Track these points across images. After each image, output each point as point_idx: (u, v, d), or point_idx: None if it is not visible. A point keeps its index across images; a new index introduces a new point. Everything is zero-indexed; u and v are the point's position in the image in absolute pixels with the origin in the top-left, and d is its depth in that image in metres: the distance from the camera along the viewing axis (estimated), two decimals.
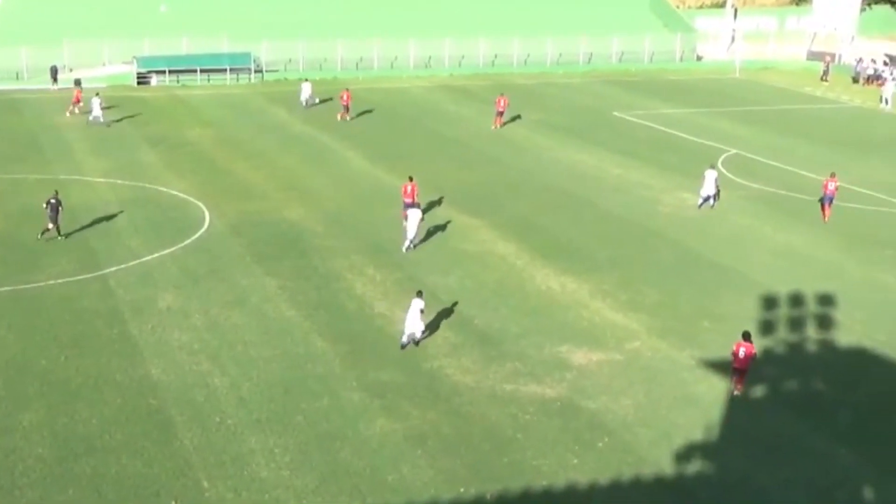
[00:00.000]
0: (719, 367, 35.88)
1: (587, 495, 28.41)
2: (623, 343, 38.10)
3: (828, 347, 38.59)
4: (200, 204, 53.65)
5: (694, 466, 29.92)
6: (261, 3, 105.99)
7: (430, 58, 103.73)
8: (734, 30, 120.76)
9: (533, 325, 39.51)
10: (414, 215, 47.53)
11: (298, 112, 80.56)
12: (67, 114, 76.07)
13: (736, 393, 34.32)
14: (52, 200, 47.40)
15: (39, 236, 47.37)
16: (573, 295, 42.77)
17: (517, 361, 36.23)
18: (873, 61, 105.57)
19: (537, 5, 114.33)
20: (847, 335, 39.49)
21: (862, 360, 37.68)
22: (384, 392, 33.73)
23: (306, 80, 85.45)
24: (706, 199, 55.88)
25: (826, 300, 42.62)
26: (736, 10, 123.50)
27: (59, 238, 47.43)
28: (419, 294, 37.62)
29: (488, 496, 28.09)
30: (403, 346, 37.13)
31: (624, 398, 33.77)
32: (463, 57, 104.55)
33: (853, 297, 43.09)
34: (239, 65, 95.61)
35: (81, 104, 75.81)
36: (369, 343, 37.53)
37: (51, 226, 47.35)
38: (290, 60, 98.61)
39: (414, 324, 36.95)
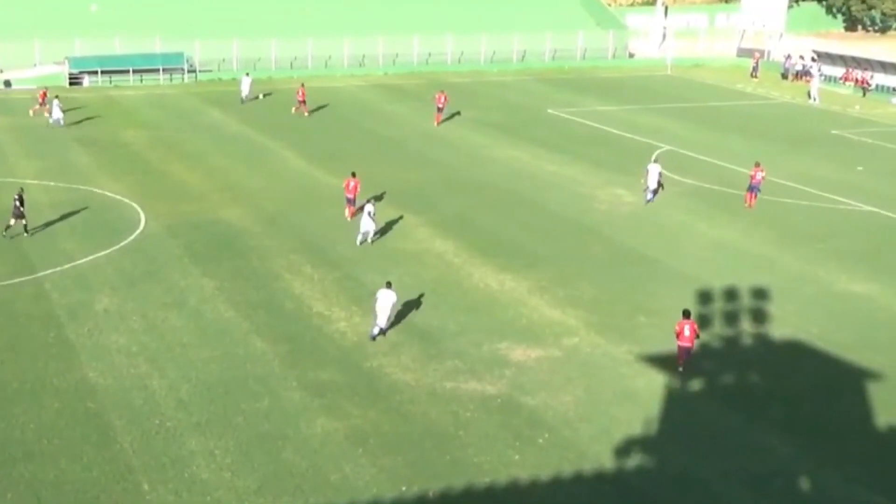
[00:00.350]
0: (657, 361, 36.24)
1: (528, 491, 28.56)
2: (561, 339, 38.32)
3: (762, 340, 39.05)
4: (135, 205, 53.27)
5: (634, 460, 30.16)
6: (193, 2, 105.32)
7: (364, 56, 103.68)
8: (665, 27, 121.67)
9: (472, 322, 39.65)
10: (367, 210, 48.13)
11: (237, 108, 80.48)
12: (31, 112, 75.49)
13: (679, 369, 35.41)
14: (16, 198, 47.99)
15: (3, 233, 47.84)
16: (511, 292, 42.96)
17: (457, 359, 36.35)
18: (801, 58, 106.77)
19: (471, 3, 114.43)
20: (781, 328, 39.99)
21: (795, 353, 38.17)
22: (324, 391, 33.72)
23: (247, 74, 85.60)
24: (654, 193, 56.47)
25: (760, 294, 43.12)
26: (666, 8, 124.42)
27: (25, 234, 48.02)
28: (388, 285, 38.02)
29: (430, 494, 28.16)
30: (374, 338, 37.56)
31: (563, 394, 33.97)
32: (397, 55, 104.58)
33: (786, 291, 43.63)
34: (172, 65, 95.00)
35: (46, 105, 75.00)
36: (308, 343, 37.50)
37: (13, 221, 47.90)
38: (223, 60, 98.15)
39: (384, 316, 37.48)
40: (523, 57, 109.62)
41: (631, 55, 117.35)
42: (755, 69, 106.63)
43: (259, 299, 41.40)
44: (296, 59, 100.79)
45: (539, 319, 40.15)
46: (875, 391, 34.81)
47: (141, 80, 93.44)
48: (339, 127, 76.10)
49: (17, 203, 47.83)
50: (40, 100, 76.52)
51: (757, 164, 56.73)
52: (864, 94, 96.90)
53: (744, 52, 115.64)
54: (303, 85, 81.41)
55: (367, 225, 47.40)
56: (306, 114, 78.90)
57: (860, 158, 69.57)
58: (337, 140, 71.41)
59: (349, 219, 51.64)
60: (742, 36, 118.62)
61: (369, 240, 48.29)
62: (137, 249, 46.88)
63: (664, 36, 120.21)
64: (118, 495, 27.70)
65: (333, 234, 49.43)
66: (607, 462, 29.98)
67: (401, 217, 52.28)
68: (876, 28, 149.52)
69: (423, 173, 62.20)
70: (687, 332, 35.35)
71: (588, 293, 43.02)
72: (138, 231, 49.40)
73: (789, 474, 29.80)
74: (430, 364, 35.92)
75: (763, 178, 56.10)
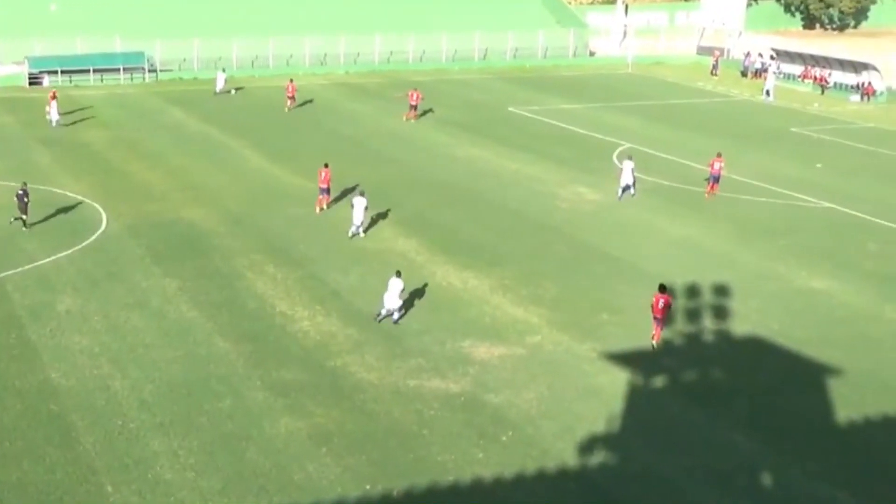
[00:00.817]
0: (620, 358, 36.44)
1: (492, 489, 28.65)
2: (525, 337, 38.45)
3: (724, 337, 39.30)
4: (97, 205, 53.04)
5: (597, 457, 30.31)
6: (153, 1, 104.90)
7: (325, 55, 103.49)
8: (626, 25, 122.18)
9: (435, 320, 39.73)
10: (359, 203, 49.02)
11: (198, 107, 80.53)
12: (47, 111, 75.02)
13: (654, 342, 37.63)
14: (20, 192, 49.18)
15: (11, 221, 49.23)
16: (474, 290, 43.06)
17: (420, 357, 36.42)
18: (760, 55, 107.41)
19: (432, 2, 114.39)
20: (742, 324, 40.26)
21: (757, 349, 38.44)
22: (288, 391, 33.71)
23: (223, 70, 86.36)
24: (625, 189, 57.11)
25: (721, 290, 43.40)
26: (627, 6, 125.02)
27: (25, 229, 48.94)
28: (398, 274, 39.16)
29: (395, 492, 28.21)
30: (378, 319, 38.81)
31: (527, 392, 34.09)
32: (358, 54, 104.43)
33: (747, 287, 43.93)
34: (132, 64, 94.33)
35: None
36: (272, 342, 37.48)
37: (20, 216, 49.23)
38: (184, 60, 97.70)
39: (392, 301, 38.49)
40: (485, 55, 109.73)
41: (592, 53, 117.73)
42: (715, 67, 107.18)
43: (222, 299, 41.33)
44: (257, 58, 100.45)
45: (502, 317, 40.27)
46: (835, 386, 35.12)
47: (101, 80, 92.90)
48: (300, 125, 75.97)
49: (22, 196, 48.89)
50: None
51: (718, 155, 58.18)
52: (823, 92, 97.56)
53: (704, 51, 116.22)
54: (292, 80, 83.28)
55: (360, 217, 48.86)
56: (287, 109, 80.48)
57: (819, 156, 70.08)
58: (298, 139, 71.29)
59: (318, 211, 52.51)
60: (702, 34, 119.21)
61: (361, 233, 49.23)
62: (99, 249, 46.70)
63: (625, 34, 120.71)
64: (81, 497, 27.62)
65: (296, 233, 49.41)
66: (570, 459, 30.10)
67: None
68: (834, 26, 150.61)
69: (386, 172, 62.19)
70: (661, 305, 37.35)
71: (551, 291, 43.17)
72: (100, 231, 49.21)
73: (752, 470, 30.02)
74: (393, 362, 35.97)
75: (721, 167, 57.44)
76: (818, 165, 67.01)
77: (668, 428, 32.20)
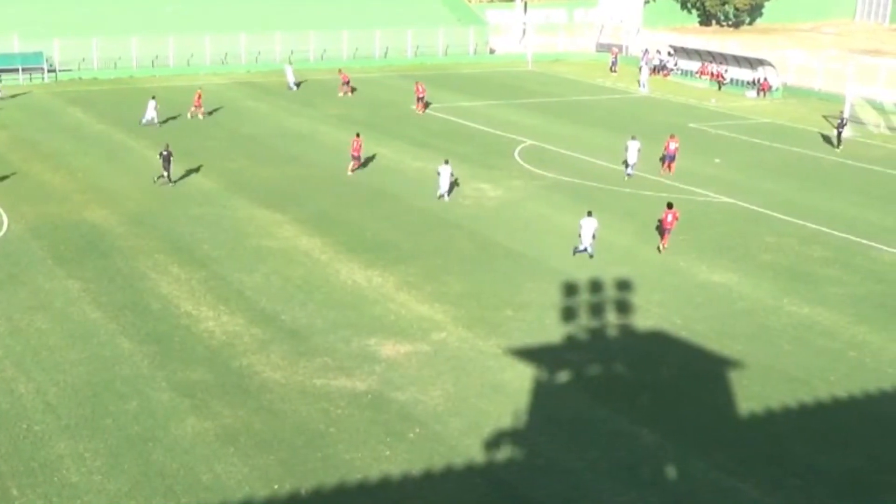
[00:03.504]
0: (525, 354, 36.75)
1: (400, 486, 28.76)
2: (430, 334, 38.63)
3: (627, 331, 39.77)
4: None
5: (504, 453, 30.54)
6: (52, 1, 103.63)
7: (226, 54, 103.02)
8: (525, 23, 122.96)
9: (340, 319, 39.77)
10: (445, 171, 55.93)
11: (97, 108, 79.58)
12: (189, 115, 75.82)
13: (662, 248, 48.20)
14: (164, 152, 57.28)
15: (155, 180, 57.47)
16: (379, 288, 43.17)
17: (326, 356, 36.44)
18: (658, 52, 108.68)
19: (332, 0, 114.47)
20: (645, 319, 40.79)
21: (660, 343, 38.95)
22: (194, 391, 33.58)
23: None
24: (630, 167, 62.04)
25: (624, 285, 43.92)
26: (526, 4, 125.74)
27: (170, 184, 57.31)
28: (589, 214, 47.44)
29: (303, 491, 28.23)
30: (576, 252, 47.32)
31: (433, 389, 34.27)
32: (259, 53, 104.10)
33: (649, 282, 44.51)
34: (31, 65, 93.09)
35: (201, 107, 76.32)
36: (177, 342, 37.27)
37: (164, 173, 57.28)
38: (83, 59, 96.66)
39: (587, 239, 46.99)
40: (386, 53, 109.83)
41: (492, 51, 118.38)
42: (614, 64, 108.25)
43: (126, 300, 41.01)
44: (157, 57, 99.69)
45: (407, 315, 40.42)
46: (737, 378, 35.71)
47: (0, 81, 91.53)
48: (201, 124, 75.50)
49: (165, 154, 56.96)
50: (196, 101, 78.24)
51: (672, 136, 64.48)
52: (720, 88, 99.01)
53: (602, 48, 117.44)
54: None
55: (446, 183, 55.96)
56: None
57: (717, 151, 71.18)
58: (199, 138, 70.84)
59: (350, 173, 60.50)
60: (601, 31, 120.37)
61: (447, 197, 55.93)
62: (0, 252, 46.09)
63: (524, 31, 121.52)
64: None
65: (199, 233, 49.17)
66: (477, 455, 30.31)
67: (265, 215, 52.22)
68: (730, 23, 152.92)
69: (287, 170, 62.08)
70: (669, 219, 47.61)
71: (455, 288, 43.41)
72: (1, 233, 48.58)
73: (656, 462, 30.42)
74: (299, 362, 35.97)
75: (677, 148, 63.57)
76: (717, 160, 68.04)
77: (573, 422, 32.53)
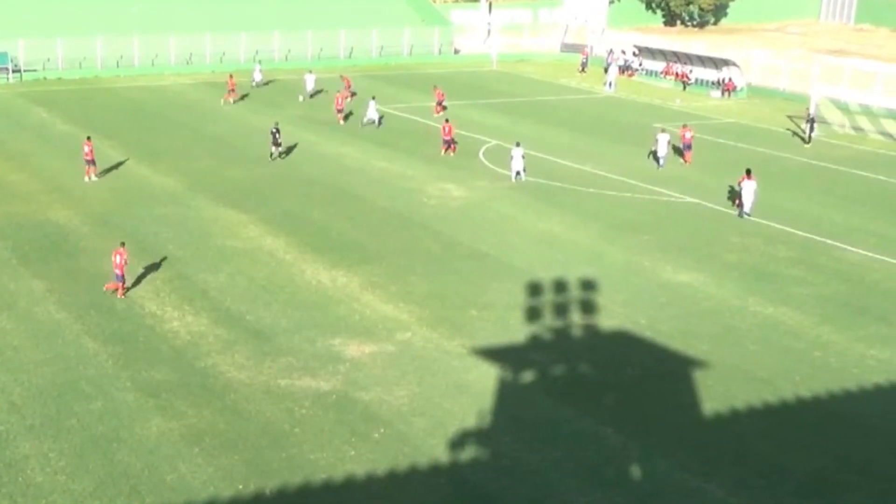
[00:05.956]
0: (489, 354, 36.70)
1: (365, 486, 28.67)
2: (395, 334, 38.54)
3: (592, 332, 39.76)
4: None
5: (468, 453, 30.48)
6: (16, 0, 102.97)
7: (191, 54, 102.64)
8: (490, 23, 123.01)
9: (305, 319, 39.65)
10: (517, 153, 60.55)
11: (62, 108, 78.92)
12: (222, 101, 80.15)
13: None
14: (274, 130, 63.84)
15: (270, 158, 63.70)
16: (344, 288, 43.05)
17: (291, 356, 36.32)
18: (623, 52, 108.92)
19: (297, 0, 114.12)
20: (609, 319, 40.79)
21: (624, 343, 38.96)
22: (158, 391, 33.40)
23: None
24: (660, 158, 65.35)
25: (588, 285, 43.94)
26: (490, 4, 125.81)
27: (280, 157, 64.44)
28: (748, 173, 53.24)
29: (268, 491, 28.11)
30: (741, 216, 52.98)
31: (398, 389, 34.19)
32: (224, 53, 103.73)
33: (614, 282, 44.53)
34: None
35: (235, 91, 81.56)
36: (141, 342, 37.08)
37: (274, 149, 63.83)
38: (48, 59, 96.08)
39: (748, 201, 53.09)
40: (350, 53, 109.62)
41: (457, 51, 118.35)
42: (584, 64, 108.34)
43: (90, 300, 40.76)
44: (122, 57, 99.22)
45: (372, 315, 40.32)
46: (701, 378, 35.75)
47: None
48: (166, 125, 75.25)
49: (275, 133, 63.38)
50: (230, 87, 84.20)
51: (685, 125, 68.19)
52: (685, 88, 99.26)
53: (567, 48, 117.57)
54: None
55: (519, 165, 60.60)
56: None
57: (682, 151, 71.17)
58: (164, 138, 70.58)
59: (442, 154, 66.29)
60: (565, 31, 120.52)
61: (523, 177, 60.15)
62: None
63: (489, 32, 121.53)
64: None
65: (164, 233, 48.97)
66: (442, 455, 30.25)
67: (230, 215, 52.04)
68: (694, 23, 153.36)
69: (251, 170, 61.89)
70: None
71: (420, 288, 43.33)
72: None
73: (621, 461, 30.42)
74: (264, 362, 35.83)
75: (692, 136, 66.49)
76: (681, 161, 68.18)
77: (538, 422, 32.51)
